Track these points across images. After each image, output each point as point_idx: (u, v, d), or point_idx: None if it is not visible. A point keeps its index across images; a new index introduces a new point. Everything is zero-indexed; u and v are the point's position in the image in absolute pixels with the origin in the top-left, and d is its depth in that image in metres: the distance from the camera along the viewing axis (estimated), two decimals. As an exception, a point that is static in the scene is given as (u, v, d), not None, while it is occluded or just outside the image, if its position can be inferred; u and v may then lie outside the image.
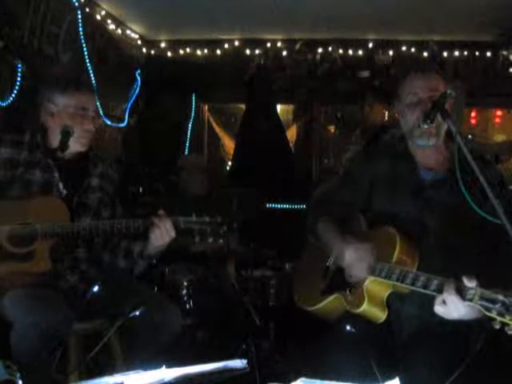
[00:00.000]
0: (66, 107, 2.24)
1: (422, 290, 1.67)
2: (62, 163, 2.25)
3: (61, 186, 2.23)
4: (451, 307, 1.56)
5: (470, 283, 1.52)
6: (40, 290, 2.06)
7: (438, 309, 1.60)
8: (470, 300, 1.52)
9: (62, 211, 2.15)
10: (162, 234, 2.14)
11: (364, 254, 1.86)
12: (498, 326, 1.44)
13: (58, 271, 2.20)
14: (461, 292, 1.54)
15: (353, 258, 1.88)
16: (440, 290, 1.60)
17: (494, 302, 1.46)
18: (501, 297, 1.45)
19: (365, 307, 1.83)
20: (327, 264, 2.08)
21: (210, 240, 2.16)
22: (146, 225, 2.16)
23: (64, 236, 2.11)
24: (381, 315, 1.86)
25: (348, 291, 1.92)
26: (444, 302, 1.57)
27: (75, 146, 2.26)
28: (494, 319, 1.44)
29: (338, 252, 1.96)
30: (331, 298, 1.99)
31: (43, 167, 2.23)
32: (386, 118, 4.33)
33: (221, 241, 2.20)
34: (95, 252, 2.32)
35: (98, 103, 2.41)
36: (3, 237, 2.08)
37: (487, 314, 1.46)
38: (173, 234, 2.15)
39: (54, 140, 2.25)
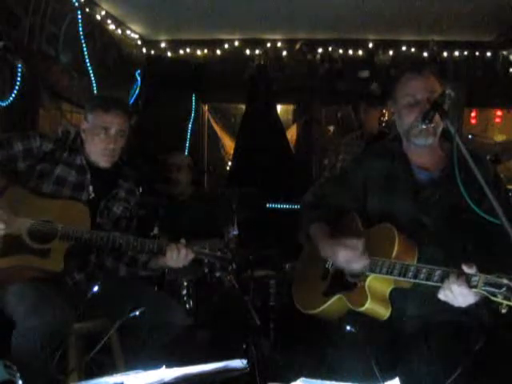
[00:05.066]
0: (92, 125, 2.35)
1: (425, 282, 1.67)
2: (95, 169, 2.37)
3: (90, 188, 2.34)
4: (457, 295, 1.57)
5: (470, 270, 1.53)
6: (44, 287, 2.07)
7: (447, 294, 1.61)
8: (475, 287, 1.52)
9: (84, 217, 2.23)
10: (179, 259, 2.19)
11: (355, 247, 1.85)
12: (504, 311, 1.44)
13: (67, 269, 2.22)
14: (466, 280, 1.54)
15: (346, 255, 1.87)
16: (443, 280, 1.61)
17: (498, 286, 1.46)
18: (505, 280, 1.45)
19: (368, 305, 1.83)
20: (326, 265, 2.07)
21: (218, 274, 2.21)
22: (160, 247, 2.20)
23: (81, 241, 2.17)
24: (385, 312, 1.85)
25: (350, 290, 1.91)
26: (450, 291, 1.58)
27: (99, 162, 2.36)
28: (500, 304, 1.44)
29: (331, 255, 1.96)
30: (334, 299, 1.97)
31: (79, 169, 2.34)
32: (384, 124, 4.28)
33: (228, 278, 2.23)
34: (102, 256, 2.36)
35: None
36: (24, 229, 2.15)
37: (493, 299, 1.46)
38: (186, 263, 2.21)
39: (87, 150, 2.37)
